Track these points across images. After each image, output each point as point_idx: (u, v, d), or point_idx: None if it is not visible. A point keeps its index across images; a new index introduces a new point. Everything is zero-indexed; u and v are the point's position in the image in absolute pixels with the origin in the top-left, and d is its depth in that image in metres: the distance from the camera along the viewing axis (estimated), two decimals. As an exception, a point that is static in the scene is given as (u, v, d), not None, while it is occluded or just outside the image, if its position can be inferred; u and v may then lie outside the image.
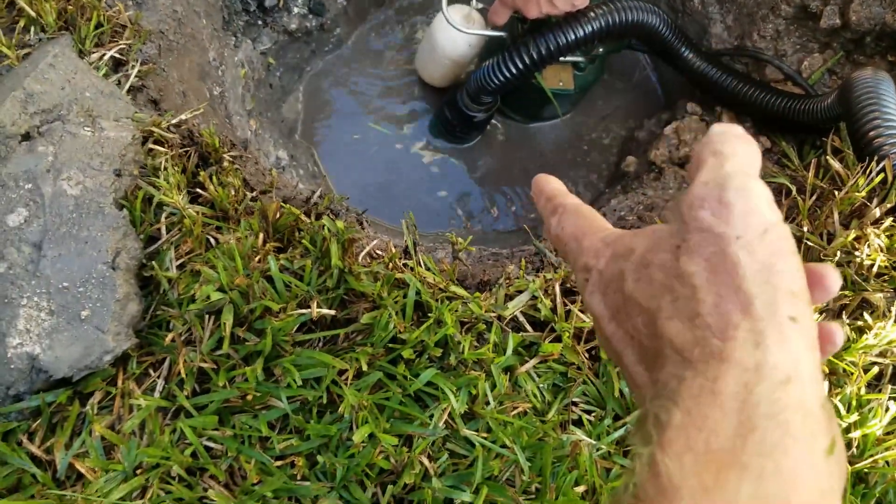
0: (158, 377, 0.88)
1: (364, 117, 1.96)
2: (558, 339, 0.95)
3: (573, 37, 1.46)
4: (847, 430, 0.98)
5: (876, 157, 1.14)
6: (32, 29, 1.09)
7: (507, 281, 1.01)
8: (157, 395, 0.87)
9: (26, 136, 0.95)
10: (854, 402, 0.99)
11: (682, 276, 0.39)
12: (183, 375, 0.86)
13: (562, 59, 1.58)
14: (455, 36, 1.71)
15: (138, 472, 0.83)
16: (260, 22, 1.70)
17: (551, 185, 0.56)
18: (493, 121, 1.95)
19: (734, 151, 0.41)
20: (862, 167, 1.15)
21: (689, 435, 0.35)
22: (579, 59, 1.70)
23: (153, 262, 0.92)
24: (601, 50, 1.72)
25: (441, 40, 1.75)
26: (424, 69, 1.94)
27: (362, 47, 2.03)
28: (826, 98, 1.33)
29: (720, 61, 1.61)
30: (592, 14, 1.46)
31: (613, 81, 2.07)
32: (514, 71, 1.54)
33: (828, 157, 1.20)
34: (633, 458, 0.39)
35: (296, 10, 1.76)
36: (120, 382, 0.87)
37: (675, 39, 1.59)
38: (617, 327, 0.45)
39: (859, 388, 1.00)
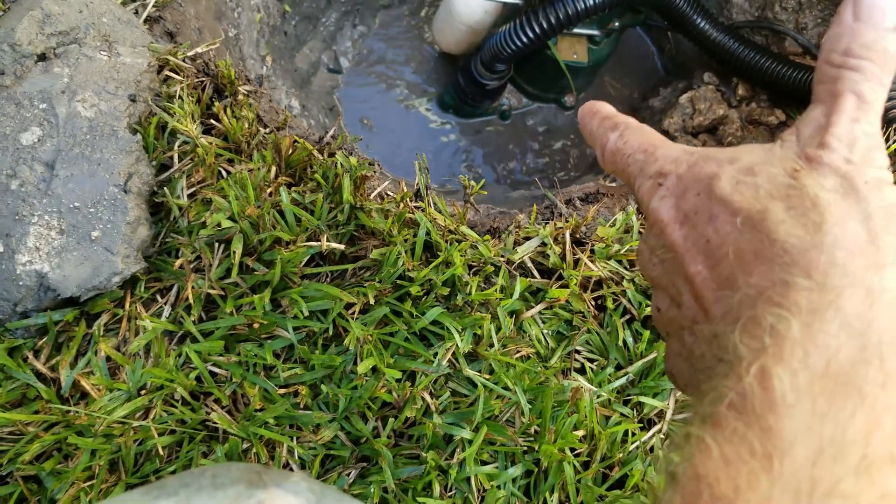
0: (166, 302, 0.89)
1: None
2: (565, 287, 0.95)
3: (589, 3, 1.45)
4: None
5: (894, 127, 1.14)
6: (51, -48, 1.08)
7: (517, 228, 1.00)
8: (163, 319, 0.87)
9: (42, 57, 0.94)
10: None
11: (805, 191, 0.38)
12: (190, 301, 0.86)
13: (577, 31, 1.56)
14: (471, 2, 1.69)
15: (142, 392, 0.83)
16: (278, -33, 1.68)
17: (606, 107, 0.55)
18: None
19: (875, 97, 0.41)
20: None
21: (807, 351, 0.33)
22: (595, 32, 1.68)
23: (165, 189, 0.92)
24: (616, 24, 1.71)
25: (458, 6, 1.74)
26: (441, 34, 1.92)
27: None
28: None
29: (737, 32, 1.60)
30: None
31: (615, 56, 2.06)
32: (529, 37, 1.52)
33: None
34: (720, 363, 0.37)
35: (314, -42, 1.75)
36: (127, 305, 0.87)
37: (691, 10, 1.58)
38: (689, 230, 0.43)
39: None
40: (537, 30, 1.51)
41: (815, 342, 0.33)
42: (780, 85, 1.47)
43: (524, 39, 1.53)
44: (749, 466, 0.32)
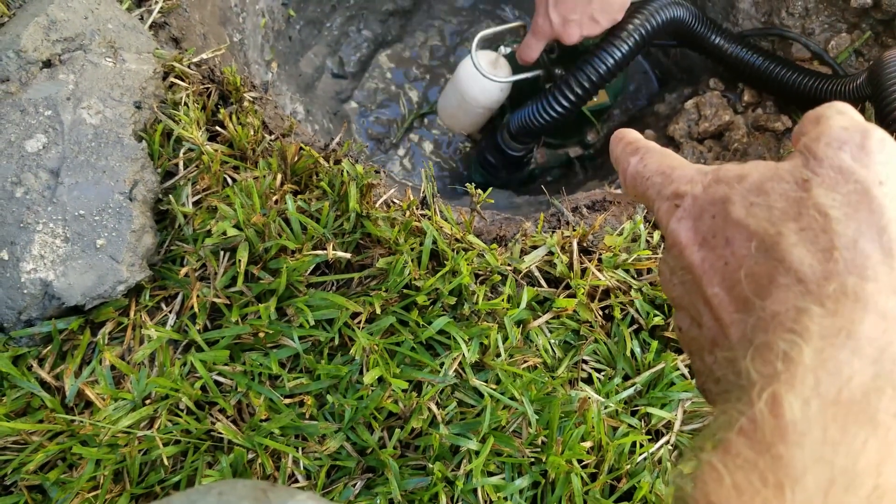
0: (171, 311, 0.88)
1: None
2: (573, 296, 0.95)
3: (620, 55, 1.40)
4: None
5: None
6: (57, -42, 1.07)
7: (524, 237, 1.00)
8: (168, 327, 0.87)
9: (48, 63, 0.94)
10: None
11: (816, 206, 0.38)
12: (195, 310, 0.86)
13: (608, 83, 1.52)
14: (487, 84, 1.64)
15: (147, 402, 0.83)
16: (283, -28, 1.68)
17: (631, 134, 0.56)
18: None
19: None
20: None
21: (818, 378, 0.33)
22: None
23: (170, 197, 0.92)
24: None
25: (472, 90, 1.68)
26: (454, 119, 1.86)
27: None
28: (856, 78, 1.31)
29: (746, 41, 1.59)
30: (631, 27, 1.40)
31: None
32: (565, 106, 1.47)
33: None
34: (731, 390, 0.37)
35: (319, -38, 1.74)
36: (132, 313, 0.87)
37: (703, 27, 1.55)
38: (707, 253, 0.43)
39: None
40: (573, 98, 1.45)
41: (827, 369, 0.33)
42: (793, 91, 1.46)
43: (559, 110, 1.47)
44: (762, 496, 0.32)
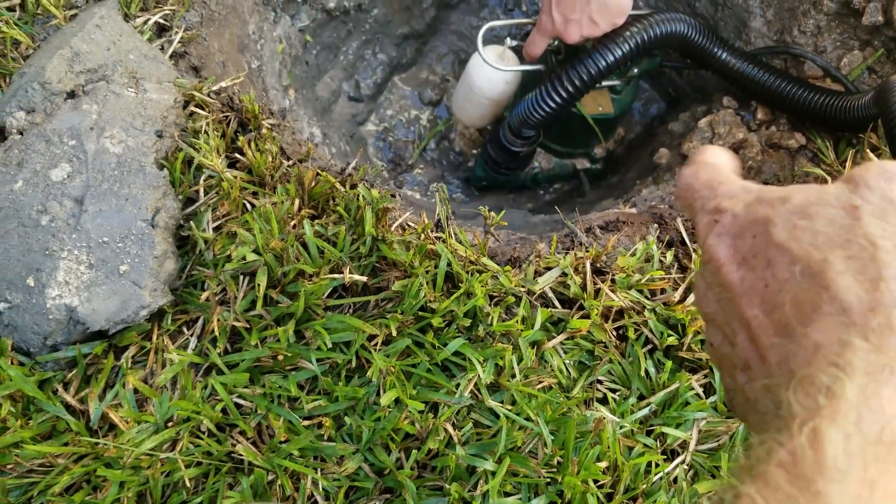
0: (192, 335, 0.90)
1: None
2: (587, 317, 0.96)
3: (612, 58, 1.43)
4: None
5: None
6: (80, -9, 1.11)
7: (538, 258, 1.01)
8: (190, 351, 0.88)
9: (71, 94, 0.97)
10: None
11: (865, 235, 0.37)
12: (216, 333, 0.88)
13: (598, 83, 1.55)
14: (492, 75, 1.70)
15: (169, 424, 0.84)
16: (299, -1, 1.71)
17: (706, 150, 0.55)
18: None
19: None
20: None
21: (861, 416, 0.32)
22: (615, 81, 1.68)
23: (191, 223, 0.94)
24: (636, 71, 1.70)
25: (478, 81, 1.74)
26: (463, 111, 1.92)
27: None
28: (863, 96, 1.31)
29: (755, 58, 1.60)
30: (627, 33, 1.43)
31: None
32: (556, 101, 1.50)
33: (866, 152, 1.19)
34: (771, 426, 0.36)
35: (335, -12, 1.77)
36: (154, 337, 0.89)
37: (708, 42, 1.57)
38: (747, 273, 0.43)
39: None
40: (563, 94, 1.48)
41: (870, 406, 0.32)
42: (803, 109, 1.47)
43: (552, 104, 1.51)
44: None
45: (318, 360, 0.87)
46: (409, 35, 2.09)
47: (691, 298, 0.98)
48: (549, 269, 1.00)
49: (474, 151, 2.09)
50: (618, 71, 1.50)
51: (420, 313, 0.91)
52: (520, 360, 0.91)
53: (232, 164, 1.02)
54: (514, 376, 0.90)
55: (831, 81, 1.56)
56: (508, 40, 1.70)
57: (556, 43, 1.56)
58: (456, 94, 1.92)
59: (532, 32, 1.53)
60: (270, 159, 1.00)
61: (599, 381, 0.95)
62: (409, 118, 2.12)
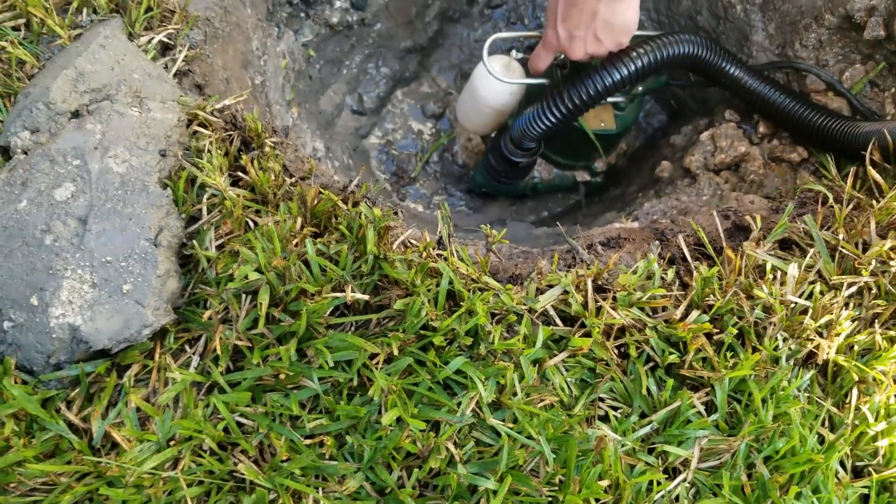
0: (194, 353, 0.90)
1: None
2: (588, 335, 0.96)
3: (616, 77, 1.43)
4: (874, 439, 0.98)
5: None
6: (85, 10, 1.12)
7: (539, 275, 1.01)
8: (192, 370, 0.89)
9: (76, 114, 0.97)
10: (882, 411, 0.99)
11: None
12: (218, 352, 0.88)
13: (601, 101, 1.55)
14: (496, 86, 1.70)
15: (171, 443, 0.84)
16: (302, 14, 1.72)
17: None
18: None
19: None
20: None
21: None
22: (619, 98, 1.69)
23: (193, 242, 0.94)
24: (640, 88, 1.71)
25: (482, 90, 1.75)
26: (467, 119, 1.92)
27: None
28: (862, 127, 1.31)
29: (766, 76, 1.59)
30: (634, 53, 1.42)
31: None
32: (557, 117, 1.51)
33: (868, 167, 1.19)
34: None
35: (338, 3, 1.78)
36: (157, 356, 0.89)
37: (721, 60, 1.56)
38: None
39: (888, 398, 0.99)
40: (564, 110, 1.49)
41: None
42: (808, 131, 1.47)
43: (552, 119, 1.51)
44: None
45: (319, 379, 0.87)
46: (412, 48, 2.10)
47: (693, 316, 0.98)
48: (550, 286, 1.00)
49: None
50: (622, 90, 1.50)
51: (422, 332, 0.91)
52: (521, 378, 0.91)
53: (235, 183, 1.03)
54: (515, 394, 0.90)
55: (833, 95, 1.56)
56: (514, 52, 1.71)
57: (562, 57, 1.57)
58: (460, 102, 1.93)
59: (537, 47, 1.53)
60: (273, 177, 1.01)
61: (601, 399, 0.95)
62: (412, 131, 2.13)
